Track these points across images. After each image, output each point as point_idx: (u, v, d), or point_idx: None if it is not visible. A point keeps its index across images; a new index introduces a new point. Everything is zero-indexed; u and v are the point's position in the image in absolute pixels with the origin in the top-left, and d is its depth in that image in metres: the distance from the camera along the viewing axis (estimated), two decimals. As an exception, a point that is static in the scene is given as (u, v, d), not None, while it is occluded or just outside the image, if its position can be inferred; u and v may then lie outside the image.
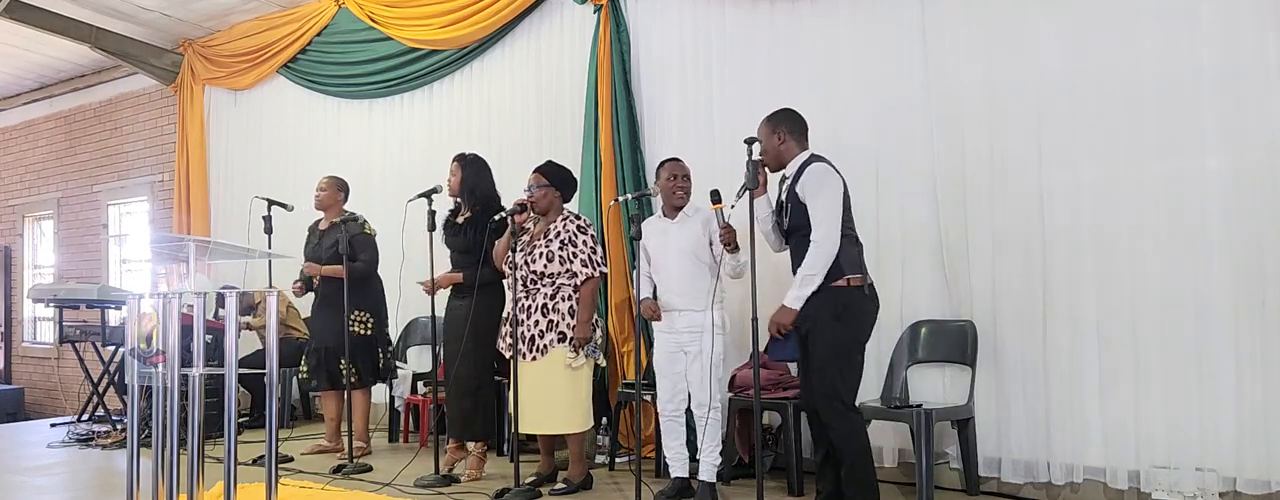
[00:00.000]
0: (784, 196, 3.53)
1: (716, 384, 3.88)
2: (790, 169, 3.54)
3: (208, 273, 5.87)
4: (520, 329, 4.13)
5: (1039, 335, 3.94)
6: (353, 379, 4.97)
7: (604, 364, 4.54)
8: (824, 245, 3.33)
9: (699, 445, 3.94)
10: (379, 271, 5.16)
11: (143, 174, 8.73)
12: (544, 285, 4.14)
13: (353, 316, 4.94)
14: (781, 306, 3.38)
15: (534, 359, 4.09)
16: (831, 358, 3.35)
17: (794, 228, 3.47)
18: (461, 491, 4.23)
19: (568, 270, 4.12)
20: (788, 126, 3.57)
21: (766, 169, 3.59)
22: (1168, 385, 3.63)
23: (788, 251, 3.60)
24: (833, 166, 3.45)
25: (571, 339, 4.07)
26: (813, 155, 3.52)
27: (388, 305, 5.23)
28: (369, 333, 5.05)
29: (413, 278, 4.94)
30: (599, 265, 4.16)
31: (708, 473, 3.90)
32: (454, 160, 4.57)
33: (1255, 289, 3.50)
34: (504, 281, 4.41)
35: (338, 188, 5.28)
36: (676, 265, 3.94)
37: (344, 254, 4.76)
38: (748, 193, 3.53)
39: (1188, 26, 3.63)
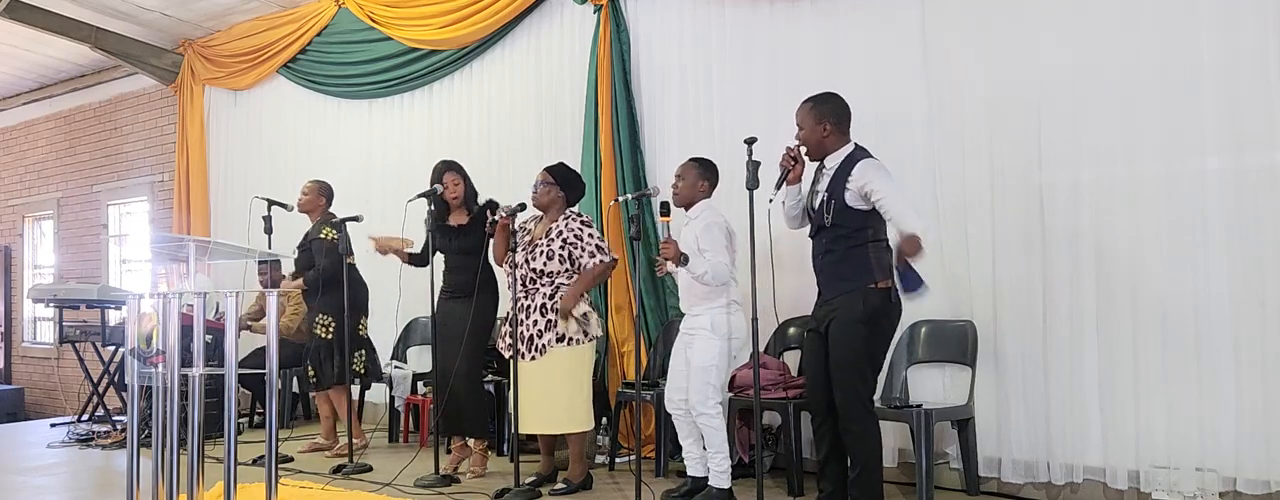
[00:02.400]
0: (826, 191, 3.40)
1: (711, 388, 3.83)
2: (831, 162, 3.42)
3: (208, 273, 5.90)
4: (519, 329, 4.13)
5: (1039, 335, 3.94)
6: (312, 380, 5.09)
7: (598, 337, 4.33)
8: (912, 211, 3.22)
9: (707, 450, 3.90)
10: (372, 274, 5.20)
11: (143, 174, 8.73)
12: (543, 284, 4.14)
13: (316, 320, 5.04)
14: (908, 236, 3.09)
15: (533, 358, 4.09)
16: (856, 360, 3.33)
17: (834, 225, 3.37)
18: (461, 491, 4.23)
19: (567, 270, 4.12)
20: (834, 117, 3.42)
21: (806, 157, 3.46)
22: (1168, 385, 3.63)
23: (810, 244, 3.54)
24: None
25: (557, 309, 4.04)
26: (857, 147, 3.41)
27: (366, 308, 5.21)
28: (330, 336, 5.05)
29: (412, 278, 4.95)
30: (608, 252, 4.16)
31: (718, 479, 3.84)
32: (450, 170, 4.56)
33: (1255, 289, 3.50)
34: (501, 281, 4.43)
35: (319, 192, 5.30)
36: (676, 268, 3.93)
37: (343, 253, 4.76)
38: (781, 186, 3.49)
39: (1188, 26, 3.63)
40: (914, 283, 3.21)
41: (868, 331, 3.32)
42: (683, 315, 4.08)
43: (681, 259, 3.65)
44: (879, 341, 3.38)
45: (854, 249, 3.34)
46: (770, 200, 3.49)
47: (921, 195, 4.23)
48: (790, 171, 3.47)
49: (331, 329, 5.03)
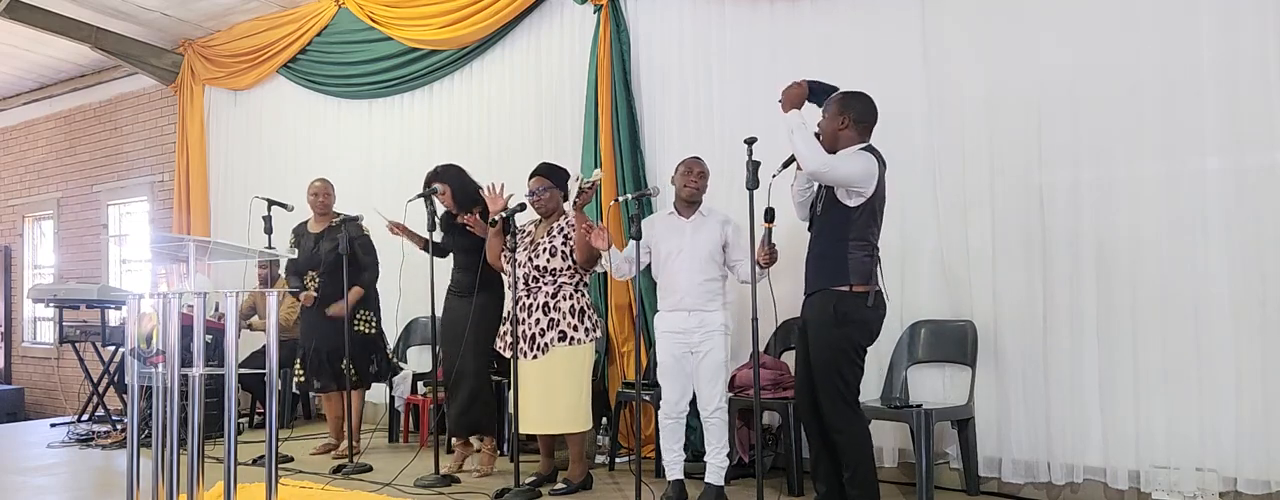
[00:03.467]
0: (821, 185, 3.42)
1: (724, 384, 3.87)
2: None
3: (208, 273, 5.89)
4: (521, 327, 4.13)
5: (1039, 335, 3.94)
6: (354, 378, 4.98)
7: (599, 335, 4.37)
8: (826, 161, 3.24)
9: (706, 447, 3.91)
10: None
11: (143, 174, 8.73)
12: (546, 283, 4.14)
13: (358, 316, 5.00)
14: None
15: (535, 357, 4.10)
16: (832, 362, 3.32)
17: (822, 217, 3.38)
18: (462, 491, 4.24)
19: (570, 267, 4.12)
20: (855, 114, 3.41)
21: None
22: (1168, 385, 3.63)
23: (807, 241, 3.55)
24: (881, 161, 3.34)
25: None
26: (869, 147, 3.39)
27: (384, 305, 5.27)
28: (372, 332, 5.11)
29: (412, 278, 4.94)
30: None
31: (715, 475, 3.86)
32: (437, 180, 4.52)
33: (1255, 289, 3.50)
34: (505, 280, 4.43)
35: (333, 190, 5.31)
36: (690, 266, 3.89)
37: (344, 253, 4.76)
38: (788, 166, 3.46)
39: (1188, 26, 3.64)
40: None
41: (841, 332, 3.30)
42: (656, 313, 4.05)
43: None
44: (853, 342, 3.34)
45: (834, 246, 3.33)
46: (774, 176, 3.47)
47: (921, 195, 4.24)
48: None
49: (373, 324, 5.09)
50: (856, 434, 3.35)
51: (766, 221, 3.64)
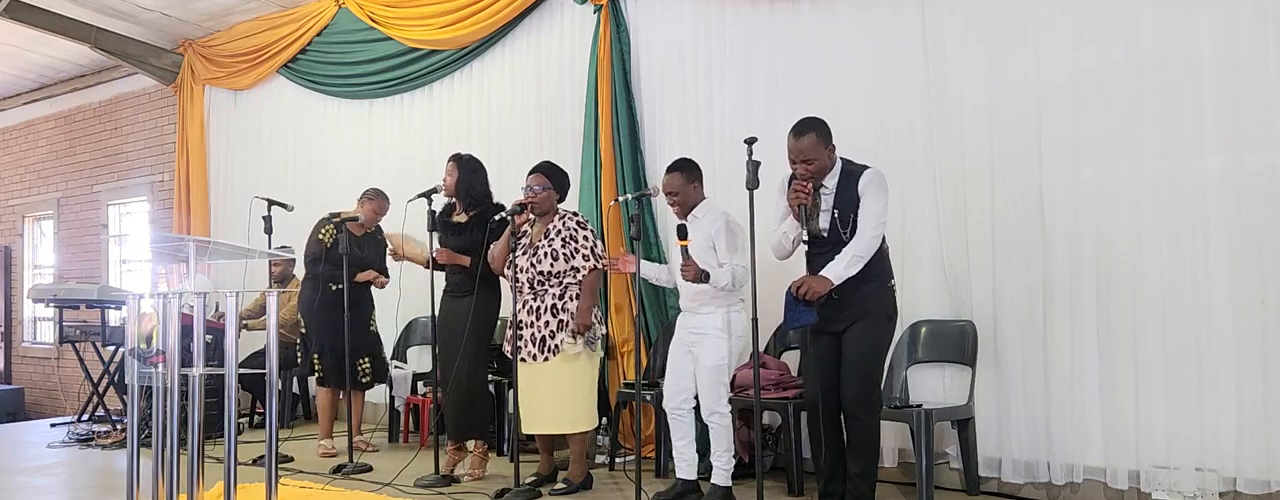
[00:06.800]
0: (836, 207, 3.45)
1: (723, 387, 3.84)
2: (830, 181, 3.49)
3: (208, 273, 5.89)
4: (529, 331, 4.13)
5: (1039, 335, 3.94)
6: (366, 379, 5.23)
7: (602, 353, 4.57)
8: (877, 235, 3.39)
9: (710, 448, 3.90)
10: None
11: (143, 174, 8.73)
12: (552, 285, 4.14)
13: (372, 316, 5.26)
14: (822, 277, 3.36)
15: (546, 359, 4.08)
16: (876, 354, 3.48)
17: (853, 217, 3.45)
18: (461, 491, 4.24)
19: (572, 268, 4.12)
20: (831, 137, 3.50)
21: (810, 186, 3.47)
22: (1168, 385, 3.63)
23: (791, 258, 3.63)
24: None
25: (571, 328, 4.07)
26: (843, 159, 3.53)
27: (385, 306, 5.48)
28: (376, 330, 5.36)
29: (412, 277, 4.95)
30: (600, 258, 4.16)
31: (722, 477, 3.86)
32: (450, 160, 4.58)
33: (1255, 289, 3.50)
34: (502, 280, 4.43)
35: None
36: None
37: (344, 253, 4.77)
38: (811, 219, 3.48)
39: (1188, 26, 3.63)
40: (803, 317, 3.41)
41: (890, 327, 3.52)
42: (678, 312, 4.07)
43: (702, 277, 3.65)
44: (892, 339, 3.59)
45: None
46: (806, 241, 3.53)
47: (921, 196, 4.24)
48: (808, 205, 3.46)
49: (375, 323, 5.32)
50: (874, 426, 3.50)
51: (681, 239, 3.67)
